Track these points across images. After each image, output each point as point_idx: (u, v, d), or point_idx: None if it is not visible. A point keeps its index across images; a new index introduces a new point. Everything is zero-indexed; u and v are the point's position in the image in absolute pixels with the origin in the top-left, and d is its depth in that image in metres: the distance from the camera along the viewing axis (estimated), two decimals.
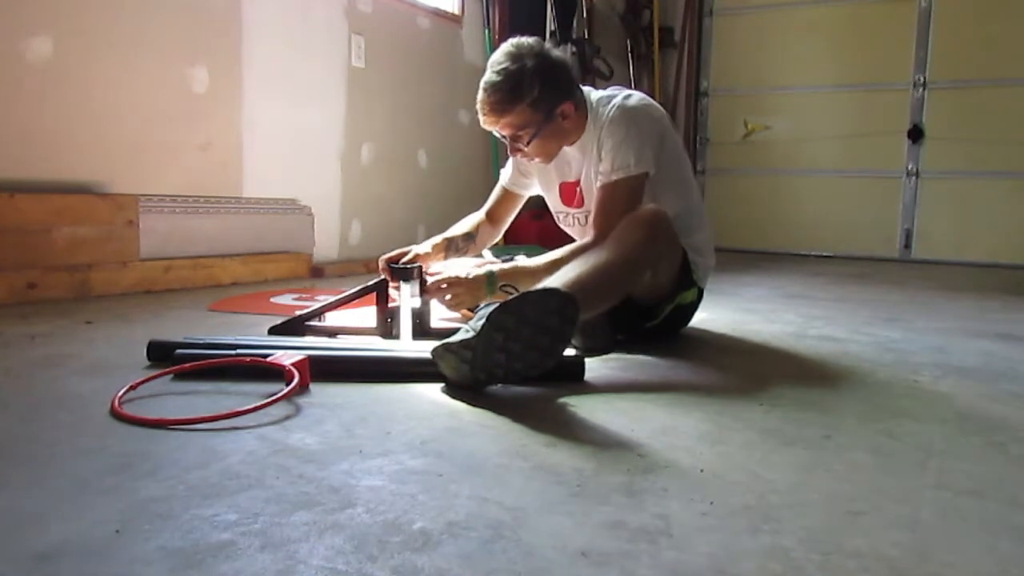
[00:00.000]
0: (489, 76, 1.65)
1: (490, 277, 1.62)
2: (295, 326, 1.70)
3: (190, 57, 2.70)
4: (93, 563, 0.68)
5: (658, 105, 1.80)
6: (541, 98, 1.64)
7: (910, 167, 4.68)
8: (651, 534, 0.76)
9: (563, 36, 4.52)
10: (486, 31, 4.12)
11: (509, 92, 1.62)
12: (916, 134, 4.64)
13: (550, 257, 1.66)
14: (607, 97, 1.76)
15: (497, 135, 1.74)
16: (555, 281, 1.40)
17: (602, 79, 4.68)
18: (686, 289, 1.75)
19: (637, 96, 1.76)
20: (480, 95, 1.66)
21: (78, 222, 2.29)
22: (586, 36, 4.75)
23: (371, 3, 3.46)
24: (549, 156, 1.78)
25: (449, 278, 1.64)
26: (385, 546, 0.72)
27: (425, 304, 1.70)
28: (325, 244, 3.31)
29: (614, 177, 1.66)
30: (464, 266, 1.74)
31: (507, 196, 2.01)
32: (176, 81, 2.66)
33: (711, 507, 0.83)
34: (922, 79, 4.62)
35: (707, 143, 5.31)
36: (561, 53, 1.74)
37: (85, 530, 0.74)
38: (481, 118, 1.69)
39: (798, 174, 5.04)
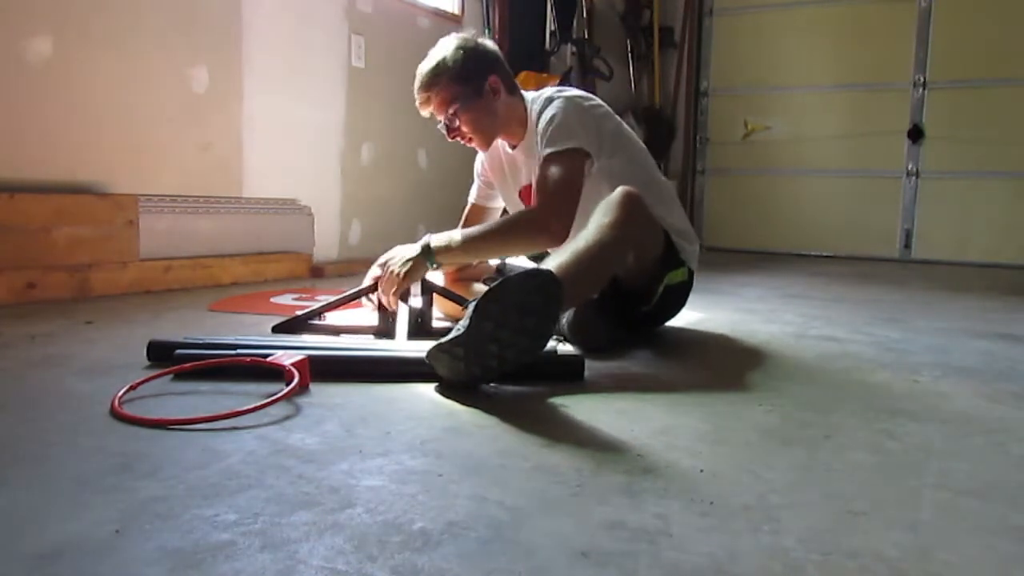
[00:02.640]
0: (420, 65, 1.76)
1: (425, 248, 1.64)
2: (297, 324, 1.70)
3: (190, 57, 2.70)
4: (93, 563, 0.68)
5: (592, 96, 1.82)
6: (465, 70, 1.72)
7: (910, 167, 4.68)
8: (651, 534, 0.76)
9: (563, 36, 4.52)
10: (486, 31, 4.12)
11: (434, 68, 1.73)
12: (916, 134, 4.64)
13: (486, 226, 1.70)
14: (538, 95, 1.80)
15: (440, 128, 1.80)
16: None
17: (602, 79, 4.68)
18: (673, 268, 1.75)
19: (571, 91, 1.80)
20: (414, 83, 1.75)
21: (78, 222, 2.29)
22: (586, 36, 4.75)
23: (371, 3, 3.46)
24: (485, 138, 1.81)
25: (390, 260, 1.68)
26: (385, 546, 0.72)
27: (426, 304, 1.70)
28: (325, 244, 3.31)
29: (547, 151, 1.68)
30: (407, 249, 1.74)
31: (475, 210, 2.06)
32: (176, 81, 2.66)
33: (711, 507, 0.83)
34: (922, 79, 4.62)
35: (707, 143, 5.31)
36: (490, 43, 1.82)
37: (85, 530, 0.74)
38: (417, 105, 1.78)
39: (798, 174, 5.04)
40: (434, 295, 1.76)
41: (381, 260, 1.72)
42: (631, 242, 1.57)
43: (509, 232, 1.66)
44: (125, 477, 0.88)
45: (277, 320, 1.74)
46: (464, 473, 0.92)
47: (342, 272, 3.21)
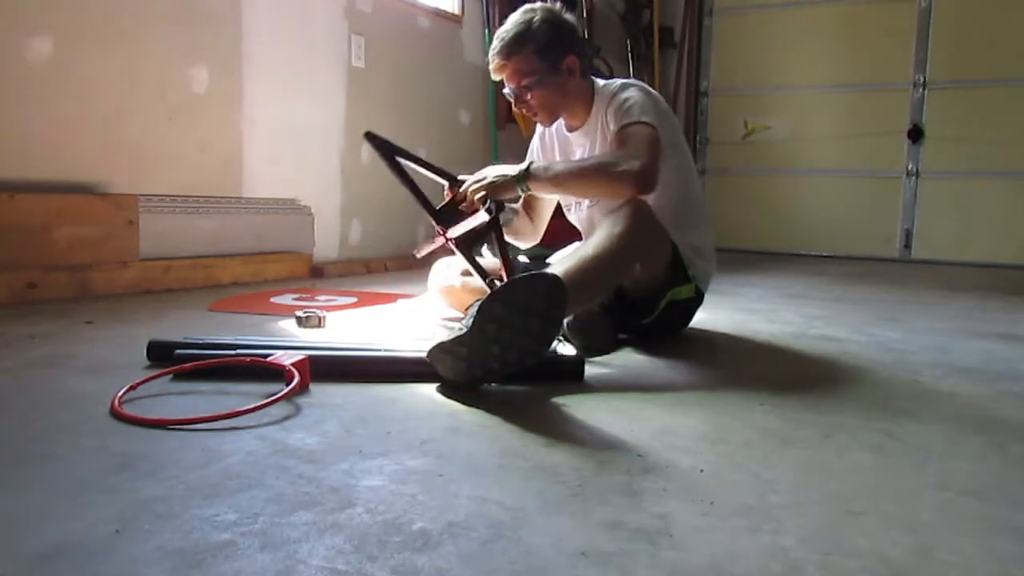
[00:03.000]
0: (502, 28, 1.75)
1: (523, 171, 1.65)
2: (392, 148, 1.84)
3: (190, 57, 2.69)
4: (93, 563, 0.68)
5: (663, 99, 1.84)
6: (548, 46, 1.71)
7: (910, 167, 4.68)
8: (651, 534, 0.76)
9: None
10: (486, 31, 4.12)
11: (518, 36, 1.71)
12: (916, 134, 4.63)
13: (579, 162, 1.72)
14: (611, 82, 1.82)
15: (507, 93, 1.80)
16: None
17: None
18: (680, 284, 1.75)
19: (646, 86, 1.81)
20: (492, 44, 1.75)
21: (78, 222, 2.29)
22: (586, 36, 4.74)
23: (371, 3, 3.46)
24: (550, 113, 1.82)
25: (483, 173, 1.72)
26: (385, 546, 0.72)
27: (486, 228, 1.69)
28: (325, 244, 3.31)
29: (628, 120, 1.66)
30: (508, 167, 1.74)
31: (530, 196, 2.03)
32: (176, 81, 2.66)
33: (711, 507, 0.83)
34: (922, 79, 4.61)
35: (707, 143, 5.31)
36: (572, 18, 1.81)
37: (85, 530, 0.74)
38: (491, 68, 1.77)
39: (798, 174, 5.03)
40: (477, 252, 1.74)
41: (480, 173, 1.75)
42: (638, 253, 1.58)
43: (599, 173, 1.63)
44: (125, 477, 0.88)
45: (276, 319, 1.74)
46: (464, 473, 0.92)
47: (342, 272, 3.21)
